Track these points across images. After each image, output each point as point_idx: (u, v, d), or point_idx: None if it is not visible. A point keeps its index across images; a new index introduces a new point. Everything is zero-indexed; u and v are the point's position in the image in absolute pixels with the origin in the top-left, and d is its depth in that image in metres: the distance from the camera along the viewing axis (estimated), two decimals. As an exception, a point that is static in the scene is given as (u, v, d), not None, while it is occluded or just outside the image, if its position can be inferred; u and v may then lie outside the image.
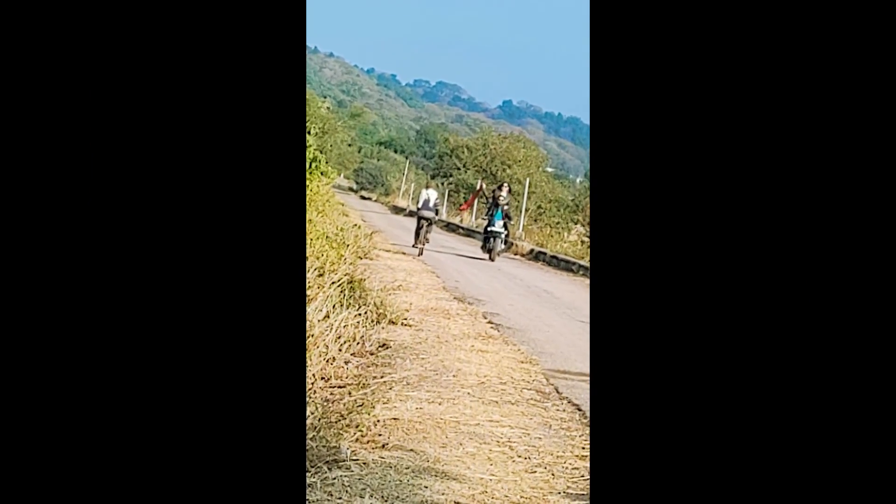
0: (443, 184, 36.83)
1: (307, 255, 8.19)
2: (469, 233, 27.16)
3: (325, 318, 6.26)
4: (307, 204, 12.21)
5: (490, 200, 18.35)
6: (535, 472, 4.20)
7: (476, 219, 30.06)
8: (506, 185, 19.28)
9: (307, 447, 4.08)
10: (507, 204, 18.07)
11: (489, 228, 17.69)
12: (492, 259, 17.26)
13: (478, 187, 21.61)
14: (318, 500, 3.51)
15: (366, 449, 4.24)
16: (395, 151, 60.11)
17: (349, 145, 49.87)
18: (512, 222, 19.62)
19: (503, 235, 17.65)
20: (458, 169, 39.03)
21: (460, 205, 34.40)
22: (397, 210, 38.91)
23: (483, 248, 17.98)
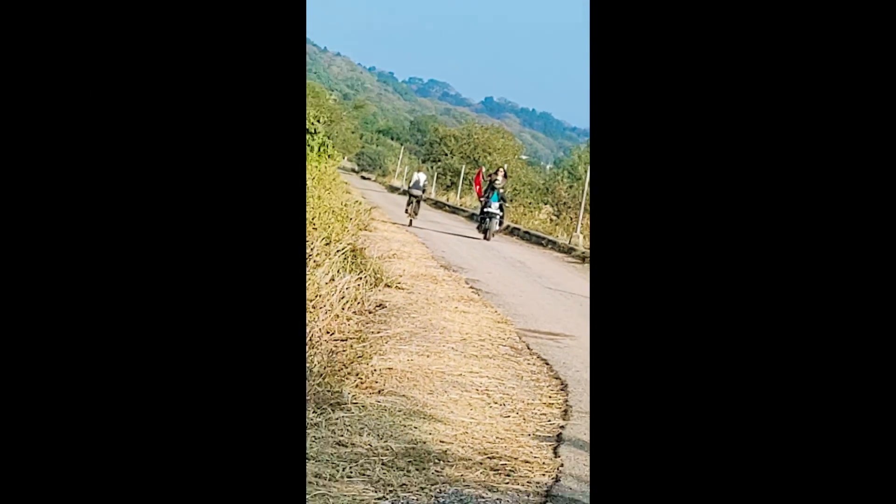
0: (432, 167, 36.73)
1: (316, 226, 8.14)
2: (454, 210, 27.11)
3: (330, 280, 6.24)
4: (317, 182, 12.07)
5: (487, 183, 16.97)
6: (509, 416, 4.21)
7: (460, 197, 29.96)
8: (502, 169, 18.02)
9: (314, 392, 4.08)
10: (503, 187, 16.93)
11: (485, 210, 16.41)
12: (486, 238, 16.10)
13: (478, 171, 20.38)
14: (322, 437, 3.50)
15: (364, 394, 4.23)
16: (392, 139, 59.59)
17: (352, 133, 49.53)
18: (507, 204, 18.35)
19: (499, 217, 16.45)
20: (446, 155, 39.05)
21: (447, 185, 34.23)
22: (392, 189, 38.58)
23: (479, 227, 16.78)
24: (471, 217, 20.60)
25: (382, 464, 3.28)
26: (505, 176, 17.37)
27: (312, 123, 17.22)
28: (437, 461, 3.40)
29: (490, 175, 17.35)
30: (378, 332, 5.74)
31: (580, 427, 4.21)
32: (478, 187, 18.07)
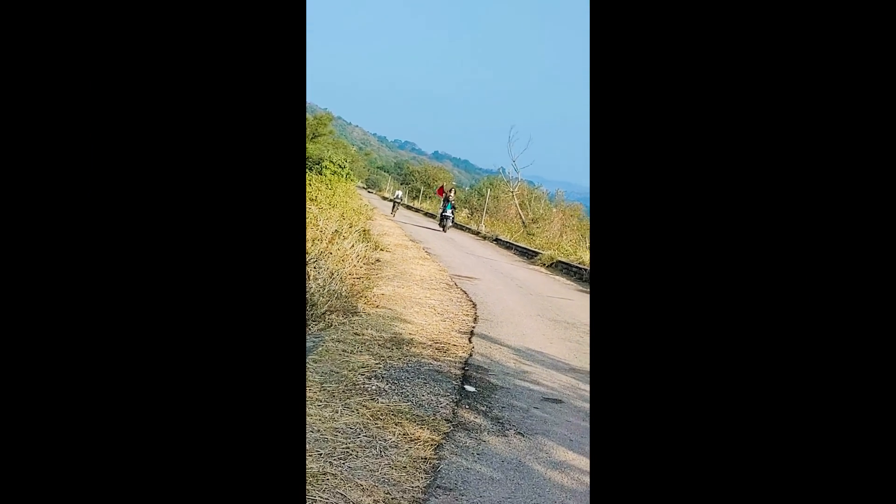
0: (405, 187, 36.51)
1: (345, 217, 7.91)
2: (416, 210, 26.61)
3: (352, 247, 6.09)
4: (346, 194, 11.66)
5: (444, 196, 14.88)
6: (445, 321, 4.12)
7: (420, 203, 29.32)
8: (454, 189, 16.00)
9: (342, 306, 3.96)
10: (454, 199, 14.78)
11: (443, 214, 14.16)
12: (444, 230, 13.78)
13: (439, 187, 18.69)
14: (346, 330, 3.38)
15: (369, 307, 4.10)
16: (385, 172, 58.33)
17: (364, 168, 48.46)
18: (456, 210, 16.20)
19: (451, 218, 14.41)
20: (413, 181, 38.99)
21: (415, 196, 33.66)
22: (384, 198, 38.06)
23: (439, 224, 14.55)
24: (426, 215, 20.14)
25: (378, 345, 3.17)
26: (454, 193, 15.61)
27: (344, 164, 16.67)
28: (407, 344, 3.30)
29: (447, 192, 15.50)
30: (377, 275, 5.57)
31: (483, 327, 4.14)
32: (439, 192, 16.18)
